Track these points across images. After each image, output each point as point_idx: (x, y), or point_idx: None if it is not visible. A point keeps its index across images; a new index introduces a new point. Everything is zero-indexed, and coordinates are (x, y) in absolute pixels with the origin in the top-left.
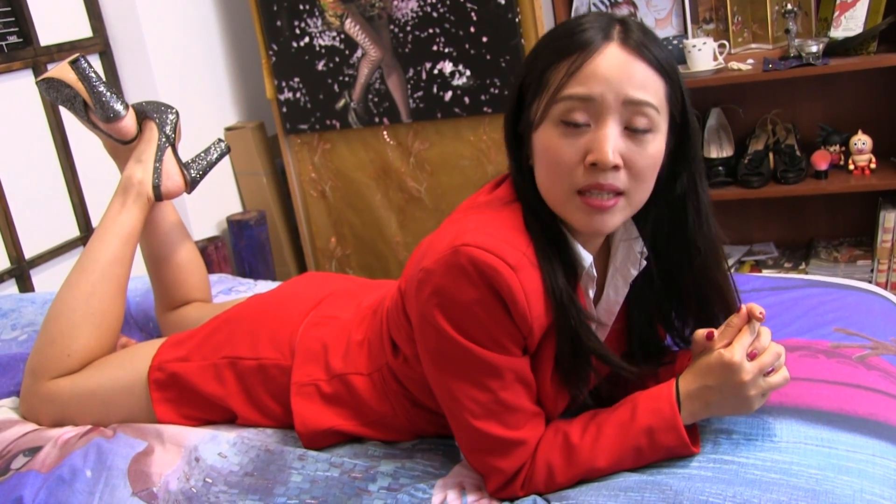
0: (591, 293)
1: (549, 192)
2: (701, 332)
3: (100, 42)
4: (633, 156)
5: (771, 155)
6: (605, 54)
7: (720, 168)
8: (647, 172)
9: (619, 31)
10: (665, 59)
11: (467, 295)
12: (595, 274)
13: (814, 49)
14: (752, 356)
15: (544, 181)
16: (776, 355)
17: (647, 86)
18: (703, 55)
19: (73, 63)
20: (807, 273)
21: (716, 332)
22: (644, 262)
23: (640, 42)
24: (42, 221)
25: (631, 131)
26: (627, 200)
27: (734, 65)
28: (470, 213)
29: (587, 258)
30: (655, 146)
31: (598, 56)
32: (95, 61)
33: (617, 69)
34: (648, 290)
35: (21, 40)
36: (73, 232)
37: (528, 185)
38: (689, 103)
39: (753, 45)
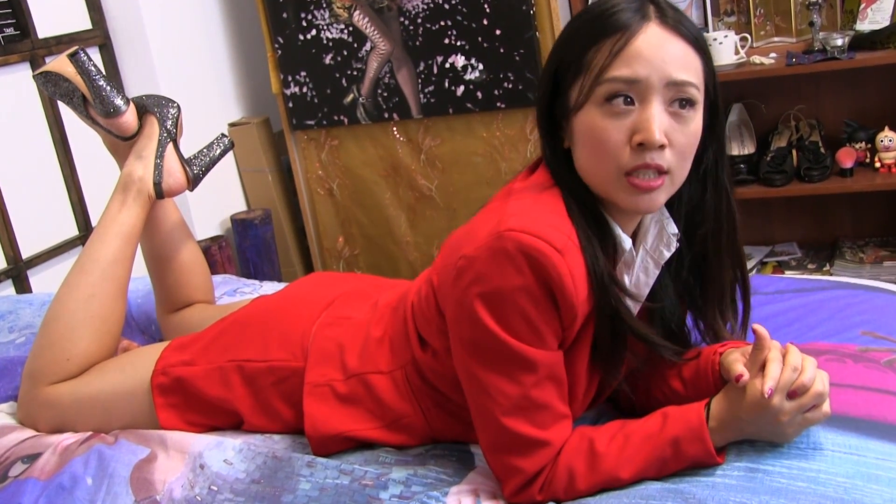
0: (628, 278)
1: (594, 174)
2: (732, 370)
3: (99, 34)
4: (676, 134)
5: (794, 152)
6: (647, 34)
7: (742, 166)
8: (690, 150)
9: (654, 9)
10: (698, 33)
11: (512, 282)
12: (635, 256)
13: (839, 42)
14: (792, 395)
15: (588, 163)
16: (816, 397)
17: (688, 65)
18: (725, 49)
19: (72, 56)
20: (831, 274)
21: (745, 373)
22: (677, 244)
23: (676, 19)
24: (40, 220)
25: (676, 109)
26: (671, 179)
27: (756, 59)
28: (509, 199)
29: (627, 242)
30: (696, 123)
31: (640, 35)
32: (95, 54)
33: (659, 49)
34: (676, 273)
35: (18, 33)
36: (72, 231)
37: (565, 169)
38: (717, 78)
39: (776, 39)
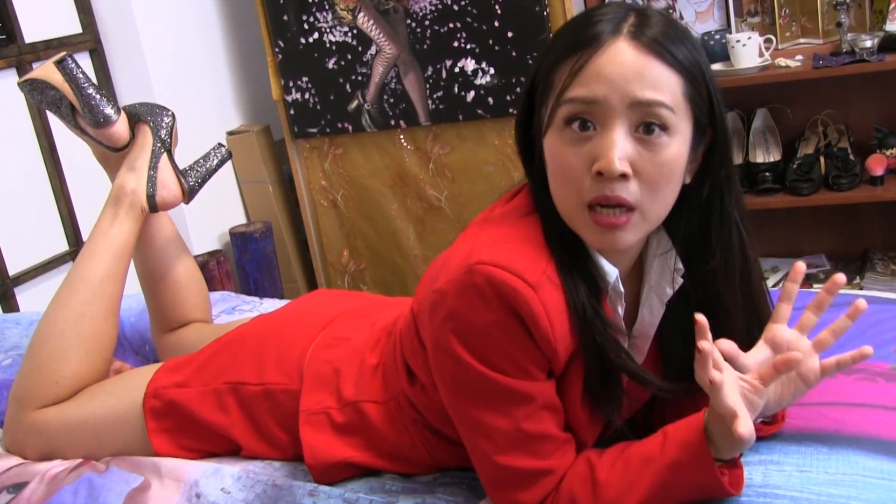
0: (621, 310)
1: (560, 205)
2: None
3: (90, 39)
4: (643, 163)
5: (822, 159)
6: (610, 51)
7: (767, 174)
8: (661, 181)
9: (631, 24)
10: (686, 55)
11: (484, 318)
12: (622, 289)
13: (868, 44)
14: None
15: (555, 192)
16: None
17: (659, 85)
18: (748, 51)
19: (59, 63)
20: (861, 287)
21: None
22: (681, 280)
23: (654, 37)
24: (28, 234)
25: (641, 135)
26: (641, 215)
27: (781, 61)
28: (485, 227)
29: (612, 272)
30: (671, 151)
31: (602, 54)
32: (85, 60)
33: (622, 67)
34: (684, 310)
35: (4, 37)
36: (62, 246)
37: (542, 194)
38: (720, 102)
39: (802, 40)
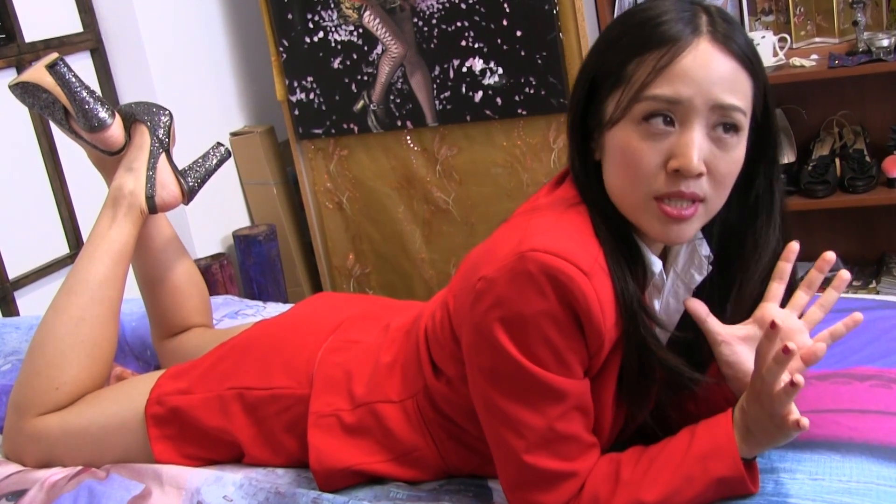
0: (657, 305)
1: (623, 196)
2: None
3: (91, 38)
4: (716, 161)
5: (837, 161)
6: (696, 52)
7: (781, 176)
8: (730, 178)
9: (707, 21)
10: (750, 49)
11: (535, 306)
12: (665, 281)
13: (885, 43)
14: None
15: (618, 183)
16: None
17: (736, 87)
18: (762, 50)
19: (51, 66)
20: (878, 292)
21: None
22: (710, 267)
23: (727, 34)
24: (27, 237)
25: (716, 135)
26: (705, 208)
27: (796, 61)
28: (533, 215)
29: (657, 265)
30: (740, 150)
31: (688, 53)
32: (86, 60)
33: (707, 69)
34: (708, 299)
35: (3, 36)
36: (62, 249)
37: (593, 184)
38: (772, 98)
39: (818, 39)
